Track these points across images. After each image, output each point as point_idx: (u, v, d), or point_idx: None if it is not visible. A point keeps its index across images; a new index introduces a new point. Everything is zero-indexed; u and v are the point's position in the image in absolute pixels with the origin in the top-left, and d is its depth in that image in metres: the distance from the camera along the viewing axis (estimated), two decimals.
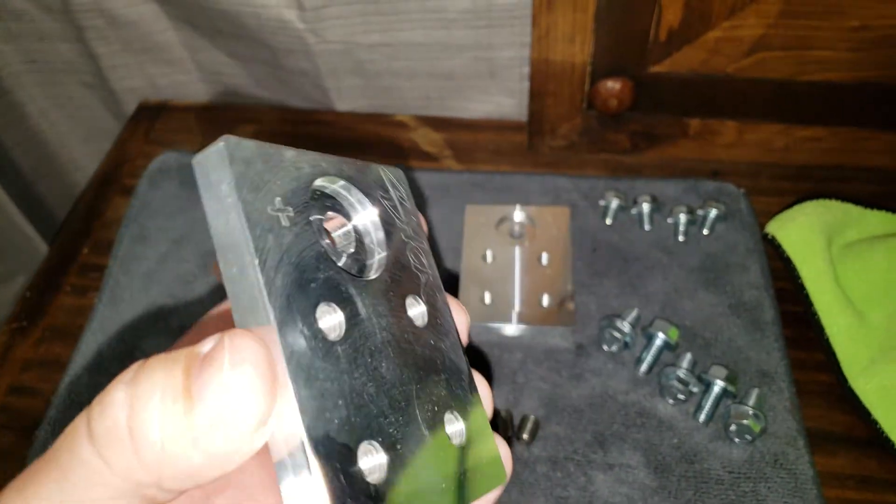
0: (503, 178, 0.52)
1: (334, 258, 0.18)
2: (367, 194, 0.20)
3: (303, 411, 0.15)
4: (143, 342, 0.45)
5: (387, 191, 0.21)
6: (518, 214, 0.48)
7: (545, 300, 0.44)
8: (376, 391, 0.17)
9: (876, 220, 0.47)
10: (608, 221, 0.49)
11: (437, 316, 0.20)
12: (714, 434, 0.40)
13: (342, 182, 0.20)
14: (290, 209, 0.17)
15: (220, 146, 0.17)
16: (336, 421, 0.16)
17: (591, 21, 0.46)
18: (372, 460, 0.16)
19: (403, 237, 0.21)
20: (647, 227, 0.49)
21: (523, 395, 0.42)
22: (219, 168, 0.16)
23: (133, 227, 0.51)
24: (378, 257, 0.20)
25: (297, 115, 0.60)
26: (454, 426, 0.19)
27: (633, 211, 0.49)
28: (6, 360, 0.46)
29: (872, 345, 0.42)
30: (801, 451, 0.39)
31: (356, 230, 0.20)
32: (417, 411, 0.18)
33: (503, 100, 0.56)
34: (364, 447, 0.16)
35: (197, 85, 0.61)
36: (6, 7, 0.57)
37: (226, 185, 0.16)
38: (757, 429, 0.39)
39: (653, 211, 0.49)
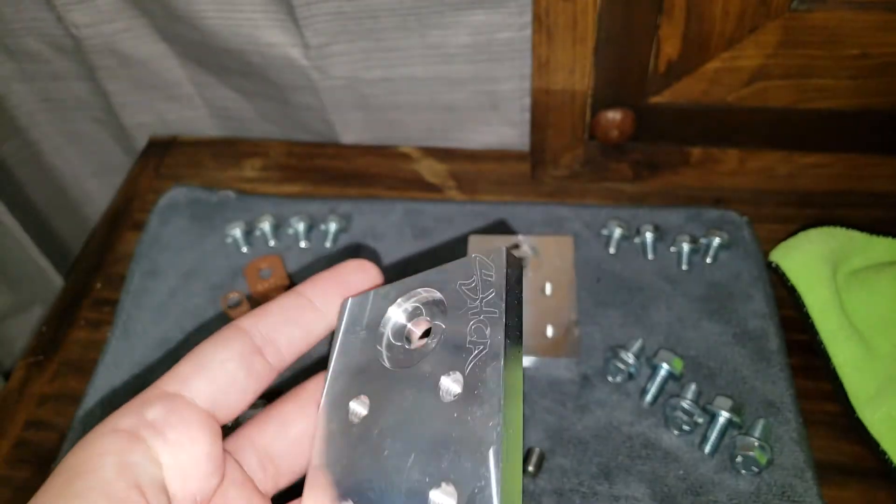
0: (506, 207, 0.53)
1: (385, 358, 0.24)
2: (440, 289, 0.24)
3: (310, 461, 0.24)
4: (154, 375, 0.45)
5: (470, 276, 0.23)
6: (521, 244, 0.48)
7: (549, 331, 0.45)
8: (371, 462, 0.22)
9: (882, 246, 0.47)
10: (611, 251, 0.49)
11: (479, 387, 0.21)
12: (720, 466, 0.40)
13: (402, 297, 0.25)
14: (365, 332, 0.25)
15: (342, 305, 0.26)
16: (331, 476, 0.23)
17: (590, 53, 0.47)
18: None
19: (470, 315, 0.22)
20: (650, 256, 0.49)
21: (528, 427, 0.42)
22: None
23: (144, 262, 0.52)
24: (417, 350, 0.24)
25: (303, 148, 0.61)
26: (441, 497, 0.20)
27: (637, 240, 0.50)
28: (23, 395, 0.47)
29: (879, 374, 0.42)
30: (810, 483, 0.39)
31: (409, 330, 0.25)
32: (404, 480, 0.21)
33: (505, 131, 0.57)
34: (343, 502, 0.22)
35: (205, 120, 0.63)
36: (21, 48, 0.59)
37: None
38: (763, 460, 0.38)
39: (656, 240, 0.49)
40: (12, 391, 0.47)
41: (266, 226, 0.52)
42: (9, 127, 0.64)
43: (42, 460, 0.43)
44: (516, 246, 0.48)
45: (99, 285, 0.53)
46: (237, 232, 0.52)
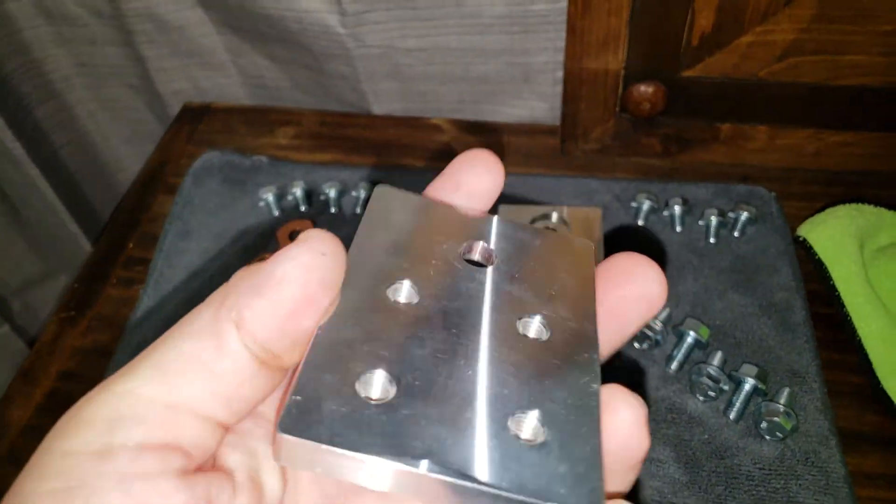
0: (536, 180, 0.53)
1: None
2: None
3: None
4: None
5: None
6: (551, 215, 0.49)
7: None
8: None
9: None
10: (640, 223, 0.50)
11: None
12: (745, 431, 0.40)
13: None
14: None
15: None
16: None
17: (625, 26, 0.47)
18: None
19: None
20: (678, 228, 0.49)
21: None
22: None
23: (177, 223, 0.53)
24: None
25: (335, 118, 0.61)
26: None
27: (665, 213, 0.50)
28: (56, 348, 0.48)
29: None
30: (833, 451, 0.39)
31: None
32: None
33: (536, 104, 0.57)
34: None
35: (238, 89, 0.63)
36: (60, 12, 0.60)
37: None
38: (788, 427, 0.39)
39: (684, 213, 0.50)
40: (45, 343, 0.48)
41: (298, 191, 0.53)
42: (45, 91, 0.65)
43: None
44: (545, 216, 0.49)
45: (132, 245, 0.54)
46: (270, 196, 0.53)
